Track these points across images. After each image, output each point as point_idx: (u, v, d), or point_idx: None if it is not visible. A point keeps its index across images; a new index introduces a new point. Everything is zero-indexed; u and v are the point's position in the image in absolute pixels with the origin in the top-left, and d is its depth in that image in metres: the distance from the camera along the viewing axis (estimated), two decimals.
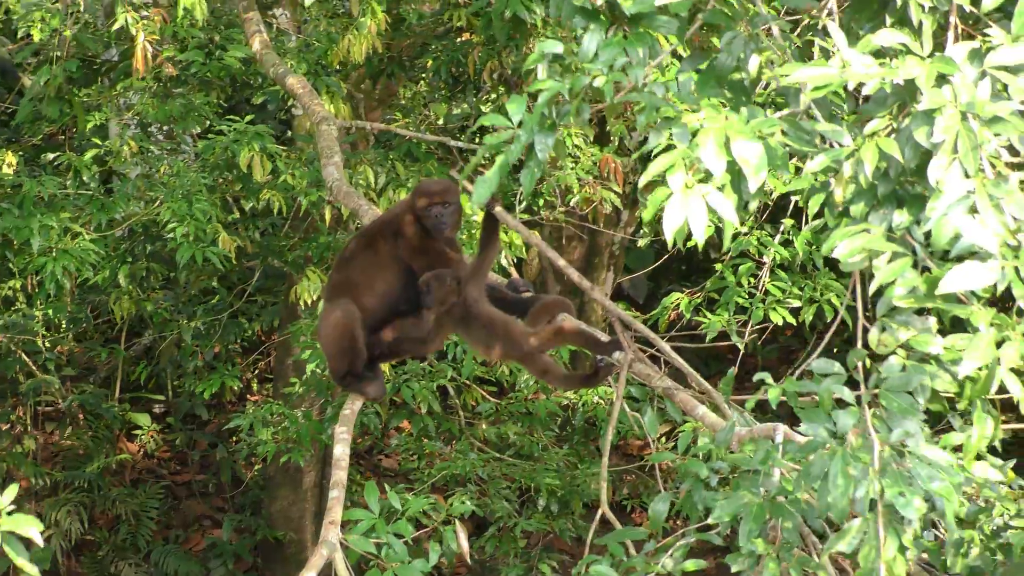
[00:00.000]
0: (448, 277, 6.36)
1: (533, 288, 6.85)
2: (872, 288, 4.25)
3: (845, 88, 4.29)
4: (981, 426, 4.42)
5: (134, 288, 11.80)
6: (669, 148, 4.29)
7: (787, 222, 9.87)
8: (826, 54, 4.47)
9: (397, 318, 6.54)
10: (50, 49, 10.55)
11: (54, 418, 15.03)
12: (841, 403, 4.47)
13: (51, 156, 12.38)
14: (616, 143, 11.85)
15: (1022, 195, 4.05)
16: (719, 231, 9.75)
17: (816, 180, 4.45)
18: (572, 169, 11.29)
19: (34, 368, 13.77)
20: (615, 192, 11.48)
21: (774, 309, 9.67)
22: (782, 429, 5.25)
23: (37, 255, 9.80)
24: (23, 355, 13.68)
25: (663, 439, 11.43)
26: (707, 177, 4.23)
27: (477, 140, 11.99)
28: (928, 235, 4.13)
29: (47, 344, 13.76)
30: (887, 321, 4.38)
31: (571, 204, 11.54)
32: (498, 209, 6.33)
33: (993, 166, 4.09)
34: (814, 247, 9.72)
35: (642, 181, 4.38)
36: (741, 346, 9.55)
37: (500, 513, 11.35)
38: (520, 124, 4.53)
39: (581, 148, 11.41)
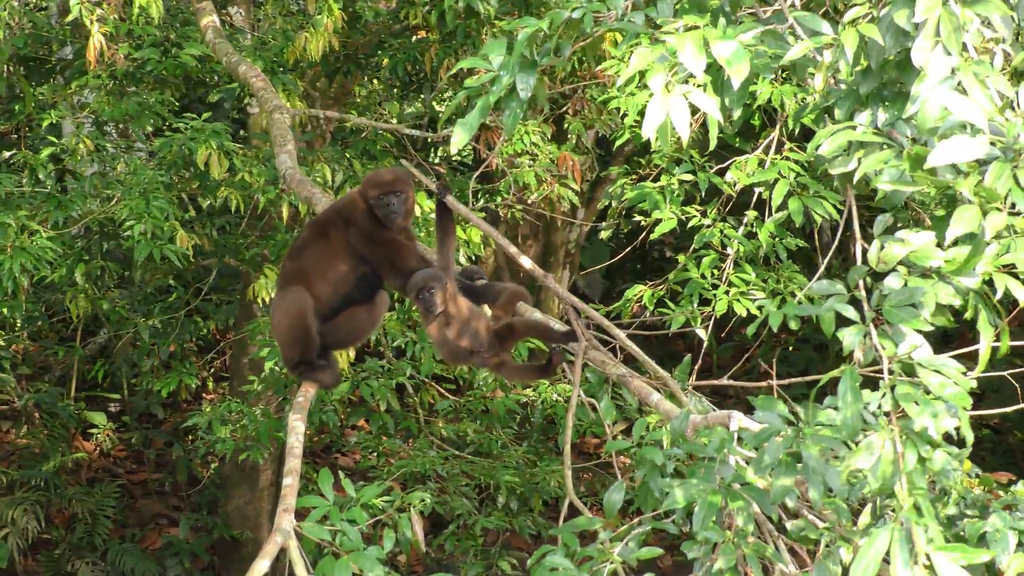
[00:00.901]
0: (442, 279, 6.27)
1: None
2: (857, 176, 4.23)
3: None
4: (987, 333, 4.40)
5: (90, 286, 11.73)
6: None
7: (750, 214, 9.88)
8: None
9: (350, 306, 6.54)
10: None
11: (10, 417, 14.96)
12: (845, 322, 4.46)
13: (6, 154, 12.30)
14: (574, 141, 11.85)
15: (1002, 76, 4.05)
16: (682, 223, 9.75)
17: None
18: (530, 167, 11.28)
19: None
20: (572, 189, 11.49)
21: (738, 300, 9.67)
22: (737, 416, 5.25)
23: None
24: None
25: (620, 436, 11.41)
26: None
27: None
28: (913, 132, 4.12)
29: (2, 342, 13.69)
30: (886, 238, 4.39)
31: (529, 201, 11.53)
32: (449, 198, 6.33)
33: (977, 49, 4.10)
34: (777, 239, 9.74)
35: (621, 80, 4.37)
36: (704, 336, 9.57)
37: (459, 511, 11.32)
38: (501, 67, 4.52)
39: (539, 146, 11.41)
